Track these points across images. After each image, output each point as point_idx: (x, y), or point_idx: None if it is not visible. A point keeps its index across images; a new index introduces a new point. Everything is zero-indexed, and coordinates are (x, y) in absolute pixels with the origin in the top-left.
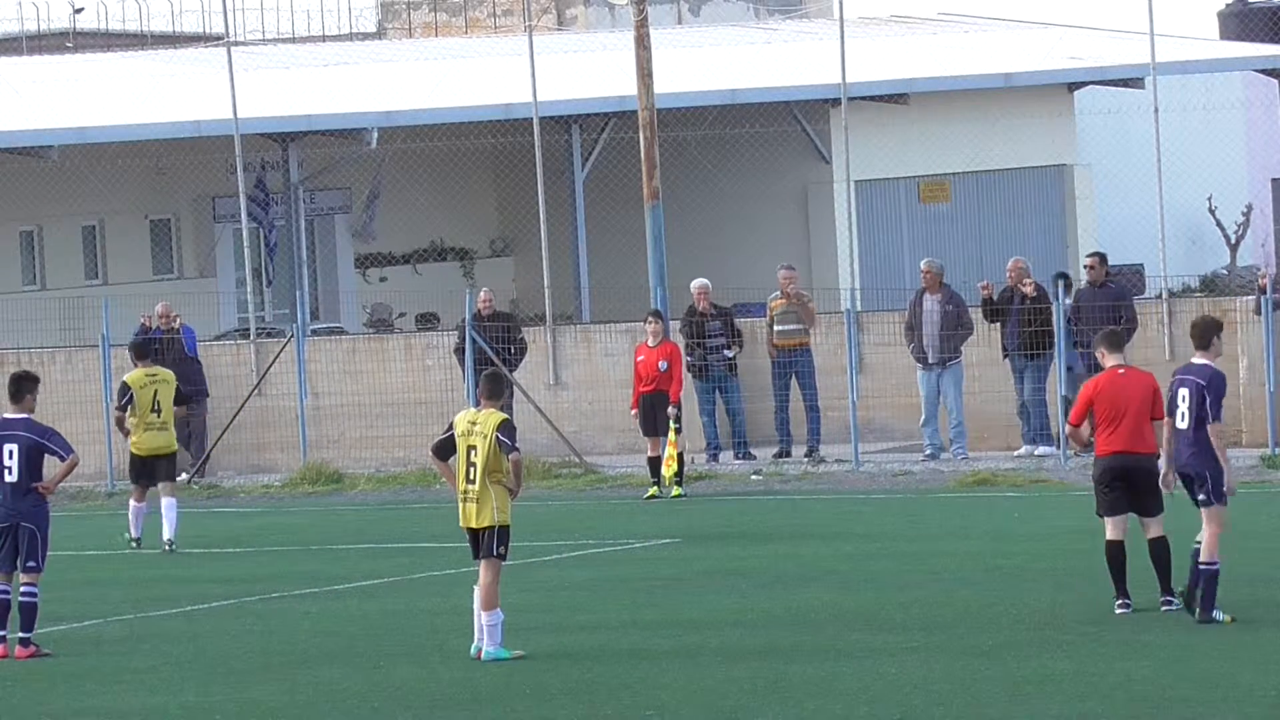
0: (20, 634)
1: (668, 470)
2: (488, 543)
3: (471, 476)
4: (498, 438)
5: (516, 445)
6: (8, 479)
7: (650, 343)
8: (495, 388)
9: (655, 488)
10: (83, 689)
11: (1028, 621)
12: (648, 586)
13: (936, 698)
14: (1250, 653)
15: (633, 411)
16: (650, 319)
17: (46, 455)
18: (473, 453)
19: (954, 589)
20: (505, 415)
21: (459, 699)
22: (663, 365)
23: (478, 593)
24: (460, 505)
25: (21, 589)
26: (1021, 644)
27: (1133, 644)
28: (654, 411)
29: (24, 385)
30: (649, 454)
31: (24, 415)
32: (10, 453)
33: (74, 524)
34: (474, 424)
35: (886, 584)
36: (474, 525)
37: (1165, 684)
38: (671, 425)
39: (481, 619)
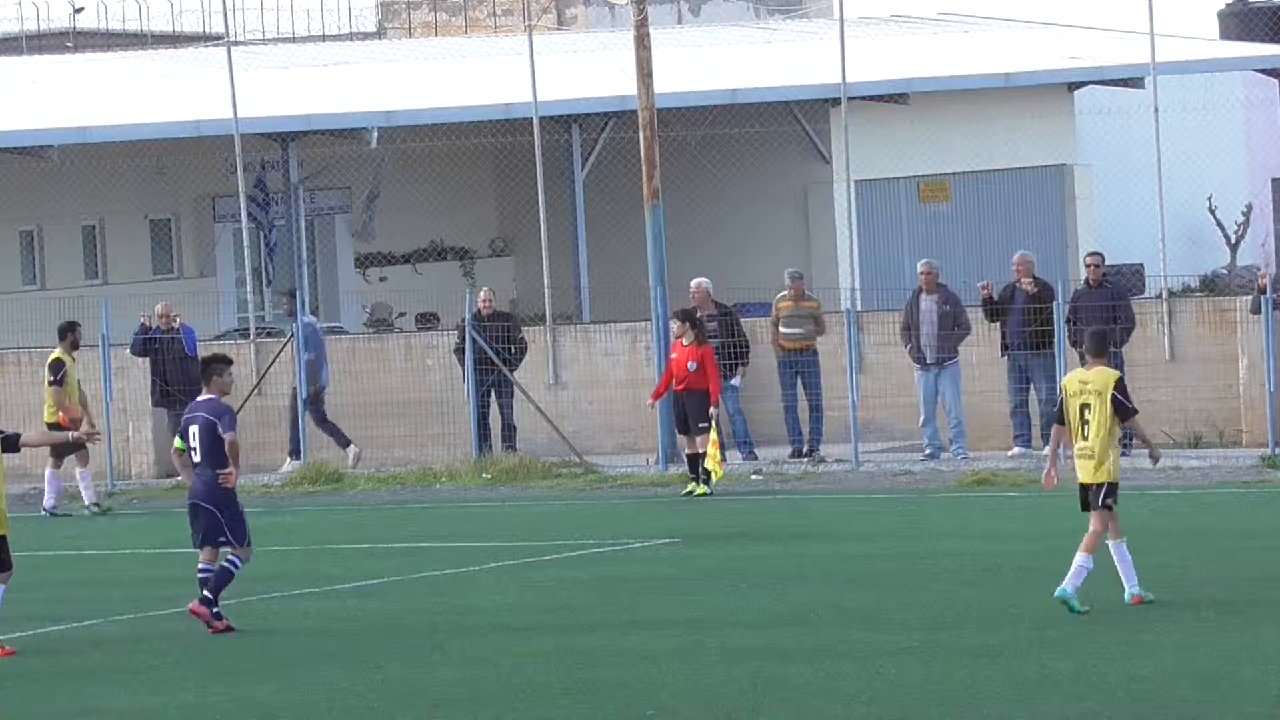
0: (204, 593)
1: (716, 467)
2: (1095, 495)
3: (1086, 434)
4: (1114, 397)
5: (1134, 405)
6: (194, 459)
7: (684, 341)
8: (1100, 345)
9: (693, 484)
10: (83, 689)
11: (1028, 621)
12: (648, 586)
13: (936, 698)
14: (1250, 653)
15: (649, 402)
16: (676, 321)
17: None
18: (1086, 411)
19: (954, 589)
20: (1118, 373)
21: (459, 699)
22: (692, 366)
23: (1085, 539)
24: (1076, 461)
25: (227, 557)
26: (1021, 644)
27: (1133, 644)
28: (685, 410)
29: (210, 369)
30: (686, 451)
31: (210, 397)
32: (193, 434)
33: (73, 524)
34: (1085, 383)
35: (886, 584)
36: (1087, 480)
37: (1165, 684)
38: (712, 425)
39: (1077, 559)
